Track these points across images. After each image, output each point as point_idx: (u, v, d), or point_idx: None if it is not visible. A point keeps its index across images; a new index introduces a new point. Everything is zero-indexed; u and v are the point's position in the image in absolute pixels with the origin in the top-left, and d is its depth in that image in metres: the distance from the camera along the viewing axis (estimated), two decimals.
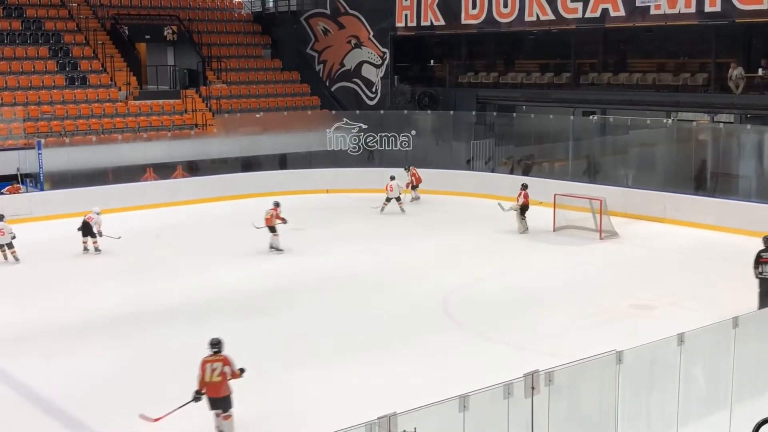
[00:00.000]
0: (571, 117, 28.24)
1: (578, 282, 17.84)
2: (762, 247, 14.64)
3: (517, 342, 13.91)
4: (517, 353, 13.18)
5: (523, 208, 22.25)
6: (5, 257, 19.64)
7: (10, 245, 19.62)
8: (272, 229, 20.32)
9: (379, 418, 7.03)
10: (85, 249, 20.45)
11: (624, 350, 8.81)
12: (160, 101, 30.87)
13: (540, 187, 24.07)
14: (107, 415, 11.31)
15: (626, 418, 9.07)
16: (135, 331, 14.70)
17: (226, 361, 10.28)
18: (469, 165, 29.77)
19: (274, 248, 20.38)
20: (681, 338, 9.35)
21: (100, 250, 20.42)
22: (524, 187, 22.57)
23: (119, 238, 20.65)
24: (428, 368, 12.77)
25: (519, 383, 8.01)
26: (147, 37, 33.62)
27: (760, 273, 14.52)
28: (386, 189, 25.17)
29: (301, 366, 12.58)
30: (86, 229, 20.33)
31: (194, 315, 15.63)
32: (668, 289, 16.92)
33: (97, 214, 20.43)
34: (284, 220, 20.41)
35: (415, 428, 7.13)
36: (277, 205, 20.65)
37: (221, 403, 10.27)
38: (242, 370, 10.43)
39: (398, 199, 25.16)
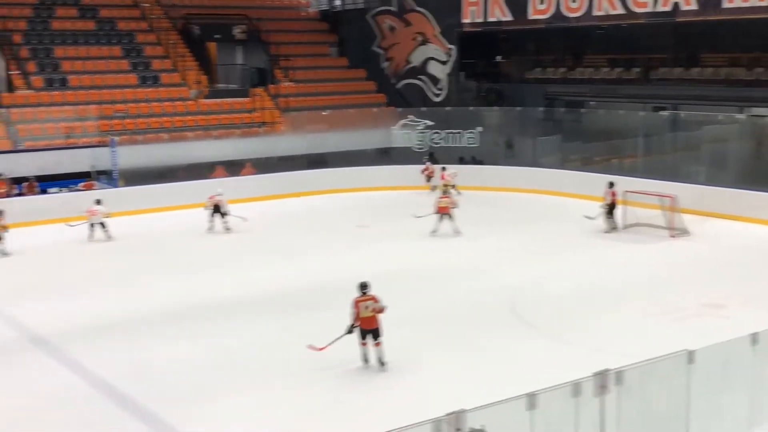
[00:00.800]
0: (642, 113, 27.82)
1: (648, 280, 17.57)
2: None
3: (585, 341, 13.77)
4: (586, 352, 13.05)
5: (611, 207, 21.97)
6: (91, 235, 21.60)
7: (102, 225, 21.69)
8: (448, 216, 21.65)
9: (447, 415, 7.06)
10: (209, 229, 22.23)
11: (695, 350, 8.68)
12: (230, 100, 31.38)
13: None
14: (171, 403, 11.55)
15: (697, 419, 8.94)
16: (192, 324, 15.03)
17: (375, 300, 12.60)
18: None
19: (436, 231, 21.47)
20: (755, 338, 9.18)
21: (230, 229, 22.25)
22: (611, 185, 22.11)
23: (246, 220, 22.37)
24: (495, 366, 12.74)
25: (588, 382, 7.96)
26: (217, 36, 34.20)
27: None
28: (443, 179, 26.85)
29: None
30: (216, 209, 22.34)
31: (256, 308, 15.86)
32: (740, 289, 16.58)
33: (220, 195, 22.23)
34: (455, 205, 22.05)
35: (483, 425, 7.14)
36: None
37: (374, 333, 12.53)
38: (385, 307, 12.53)
39: (453, 186, 26.51)
